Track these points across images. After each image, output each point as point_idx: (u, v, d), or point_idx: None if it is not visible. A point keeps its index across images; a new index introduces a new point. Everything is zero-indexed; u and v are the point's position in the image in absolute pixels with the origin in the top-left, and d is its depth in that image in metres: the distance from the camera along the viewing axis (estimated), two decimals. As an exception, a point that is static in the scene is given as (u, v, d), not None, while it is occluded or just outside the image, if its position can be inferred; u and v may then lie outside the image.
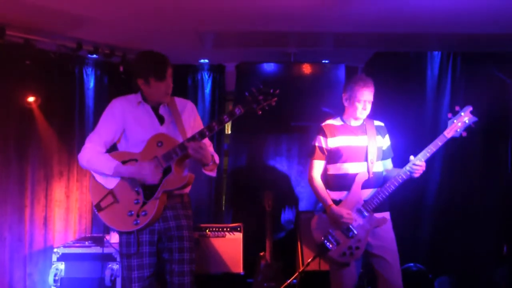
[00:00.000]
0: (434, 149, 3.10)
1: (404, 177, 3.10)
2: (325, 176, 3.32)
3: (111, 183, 2.90)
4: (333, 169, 3.27)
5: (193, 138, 2.81)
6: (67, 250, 4.10)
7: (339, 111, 3.38)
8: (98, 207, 2.91)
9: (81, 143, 4.92)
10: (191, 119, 3.05)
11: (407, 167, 3.09)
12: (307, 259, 4.00)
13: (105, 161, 2.89)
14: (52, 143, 4.45)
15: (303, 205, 5.12)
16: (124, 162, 2.89)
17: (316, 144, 3.30)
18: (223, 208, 5.28)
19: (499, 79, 4.42)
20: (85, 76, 4.75)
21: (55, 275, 4.03)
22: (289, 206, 5.07)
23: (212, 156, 2.95)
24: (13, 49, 3.97)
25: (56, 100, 4.47)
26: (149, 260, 2.91)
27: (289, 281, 3.83)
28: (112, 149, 3.03)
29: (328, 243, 3.13)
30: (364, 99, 3.17)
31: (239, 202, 5.16)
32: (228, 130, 5.33)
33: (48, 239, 4.40)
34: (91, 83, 4.80)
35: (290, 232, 5.00)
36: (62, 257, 4.08)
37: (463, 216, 4.55)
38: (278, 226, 4.99)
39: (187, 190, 3.05)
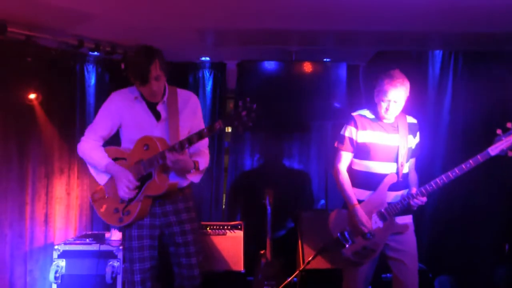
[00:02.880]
0: (474, 164, 2.91)
1: (439, 183, 2.94)
2: (350, 170, 3.14)
3: (102, 179, 2.99)
4: (358, 165, 3.11)
5: (173, 149, 2.78)
6: (67, 247, 4.11)
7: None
8: (92, 198, 3.04)
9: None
10: (191, 114, 3.05)
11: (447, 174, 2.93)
12: (307, 258, 4.00)
13: (98, 158, 2.96)
14: (53, 140, 4.44)
15: (303, 204, 5.12)
16: (115, 159, 2.95)
17: (347, 134, 3.10)
18: (224, 206, 5.28)
19: (500, 79, 4.41)
20: (86, 73, 4.75)
21: (55, 272, 4.04)
22: (290, 204, 5.06)
23: (196, 163, 2.95)
24: (14, 46, 3.96)
25: (57, 97, 4.46)
26: (150, 253, 2.97)
27: (289, 279, 3.83)
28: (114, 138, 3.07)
29: (343, 240, 3.04)
30: (389, 99, 2.95)
31: (240, 200, 5.16)
32: (228, 128, 5.32)
33: (49, 236, 4.40)
34: (92, 80, 4.80)
35: (291, 230, 5.00)
36: (63, 254, 4.09)
37: (464, 215, 4.54)
38: (278, 224, 4.98)
39: (187, 182, 3.05)
